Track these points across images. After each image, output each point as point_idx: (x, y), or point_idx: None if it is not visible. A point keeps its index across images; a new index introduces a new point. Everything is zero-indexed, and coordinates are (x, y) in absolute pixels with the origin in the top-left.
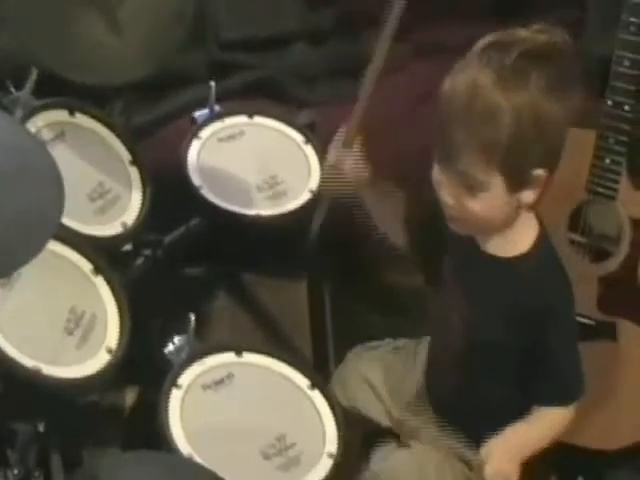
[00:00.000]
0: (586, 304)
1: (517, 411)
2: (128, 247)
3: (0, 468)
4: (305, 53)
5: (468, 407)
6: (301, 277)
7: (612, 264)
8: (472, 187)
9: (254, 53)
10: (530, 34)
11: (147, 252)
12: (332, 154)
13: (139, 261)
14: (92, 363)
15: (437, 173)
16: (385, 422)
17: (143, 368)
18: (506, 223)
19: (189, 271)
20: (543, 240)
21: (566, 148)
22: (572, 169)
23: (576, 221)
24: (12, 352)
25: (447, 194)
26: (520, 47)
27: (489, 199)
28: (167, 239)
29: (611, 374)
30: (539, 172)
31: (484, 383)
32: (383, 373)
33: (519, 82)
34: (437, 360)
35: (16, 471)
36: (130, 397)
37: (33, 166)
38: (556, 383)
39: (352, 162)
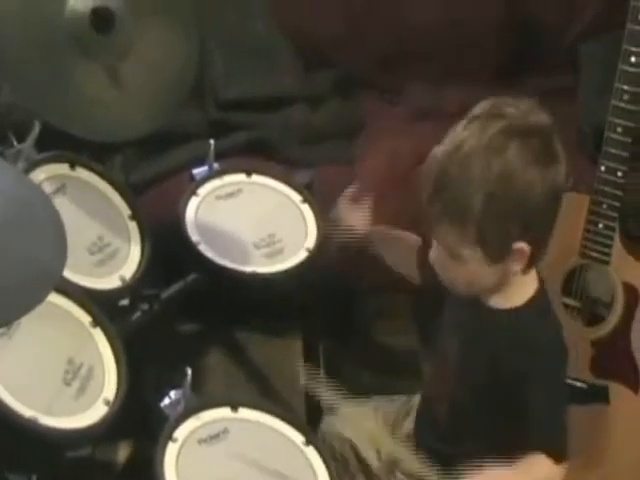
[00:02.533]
0: (579, 367)
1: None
2: (125, 301)
3: None
4: (302, 115)
5: (457, 455)
6: (296, 336)
7: (605, 328)
8: (454, 257)
9: (252, 113)
10: (517, 111)
11: (144, 306)
12: (342, 206)
13: (136, 315)
14: (89, 414)
15: (433, 246)
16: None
17: (137, 422)
18: (498, 287)
19: (184, 326)
20: (538, 299)
21: (561, 212)
22: (566, 233)
23: (570, 285)
24: (10, 401)
25: (435, 262)
26: (504, 121)
27: (472, 269)
28: (164, 294)
29: (603, 437)
30: (520, 245)
31: (472, 430)
32: (376, 418)
33: (496, 152)
34: (427, 408)
35: None
36: (123, 452)
37: (37, 217)
38: (539, 433)
39: (362, 214)
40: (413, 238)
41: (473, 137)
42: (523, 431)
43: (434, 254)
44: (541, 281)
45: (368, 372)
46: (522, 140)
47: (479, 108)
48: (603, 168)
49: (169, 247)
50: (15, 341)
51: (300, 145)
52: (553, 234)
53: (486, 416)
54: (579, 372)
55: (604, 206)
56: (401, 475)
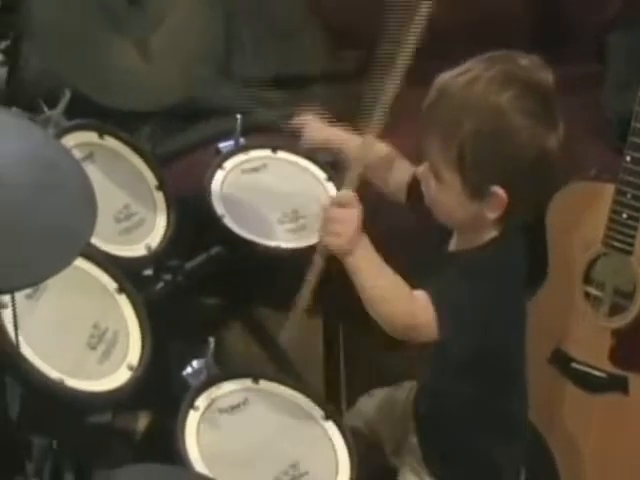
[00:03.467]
0: (599, 357)
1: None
2: (149, 271)
3: (18, 477)
4: (327, 93)
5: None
6: (316, 315)
7: (626, 318)
8: (436, 176)
9: (278, 90)
10: (526, 63)
11: (167, 277)
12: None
13: (159, 286)
14: (114, 378)
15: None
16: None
17: (158, 392)
18: (467, 224)
19: (206, 299)
20: (496, 243)
21: (584, 201)
22: (590, 222)
23: (591, 274)
24: (37, 362)
25: (422, 179)
26: (513, 66)
27: (449, 193)
28: (188, 265)
29: (622, 426)
30: (496, 189)
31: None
32: (389, 411)
33: (494, 90)
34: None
35: None
36: (143, 421)
37: (67, 180)
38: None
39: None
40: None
41: (481, 69)
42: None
43: (423, 169)
44: (504, 233)
45: (387, 356)
46: (521, 89)
47: (496, 53)
48: (628, 158)
49: (193, 219)
50: (41, 304)
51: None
52: (574, 222)
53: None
54: (598, 361)
55: (628, 196)
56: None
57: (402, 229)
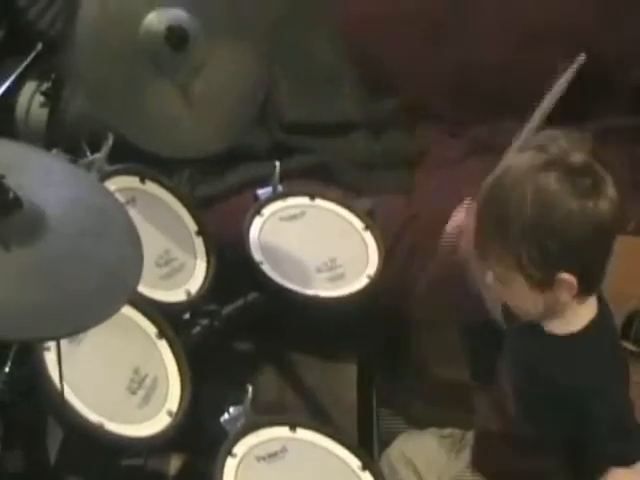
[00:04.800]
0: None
1: None
2: (186, 316)
3: None
4: (365, 141)
5: None
6: (351, 361)
7: None
8: (501, 280)
9: (315, 137)
10: (561, 144)
11: (204, 322)
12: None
13: (196, 330)
14: (153, 424)
15: None
16: None
17: (191, 436)
18: (552, 313)
19: (241, 344)
20: (596, 324)
21: (620, 255)
22: (625, 276)
23: (628, 329)
24: (77, 404)
25: (491, 286)
26: (547, 153)
27: (518, 294)
28: (225, 310)
29: None
30: (565, 276)
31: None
32: (427, 460)
33: (534, 182)
34: (486, 442)
35: None
36: (175, 463)
37: (115, 226)
38: (608, 450)
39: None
40: None
41: (516, 166)
42: (591, 452)
43: (489, 278)
44: (603, 307)
45: (420, 403)
46: (560, 173)
47: (529, 141)
48: None
49: (231, 264)
50: (83, 347)
51: (361, 172)
52: (611, 276)
53: (549, 442)
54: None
55: None
56: None
57: None
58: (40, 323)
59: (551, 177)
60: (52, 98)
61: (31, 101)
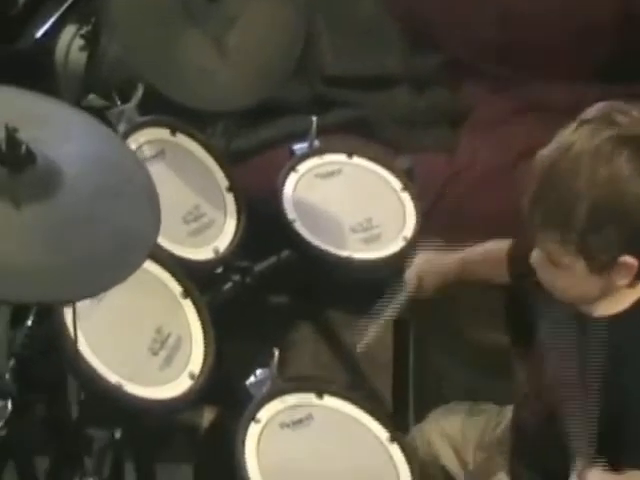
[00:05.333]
0: None
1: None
2: (218, 270)
3: (76, 475)
4: (407, 97)
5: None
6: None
7: None
8: (555, 264)
9: (356, 91)
10: (629, 120)
11: (236, 278)
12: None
13: (227, 286)
14: (174, 386)
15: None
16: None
17: (223, 391)
18: (597, 296)
19: (275, 300)
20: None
21: None
22: None
23: None
24: (97, 365)
25: (537, 266)
26: (616, 129)
27: (573, 278)
28: (257, 267)
29: None
30: (626, 259)
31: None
32: (464, 434)
33: (605, 159)
34: (524, 422)
35: (91, 479)
36: (208, 417)
37: (133, 185)
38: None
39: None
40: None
41: (582, 141)
42: (622, 447)
43: (536, 256)
44: None
45: (457, 367)
46: (633, 150)
47: (591, 112)
48: None
49: (264, 221)
50: (104, 306)
51: (401, 128)
52: None
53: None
54: None
55: None
56: None
57: None
58: (50, 286)
59: (623, 155)
60: (91, 42)
61: (70, 44)
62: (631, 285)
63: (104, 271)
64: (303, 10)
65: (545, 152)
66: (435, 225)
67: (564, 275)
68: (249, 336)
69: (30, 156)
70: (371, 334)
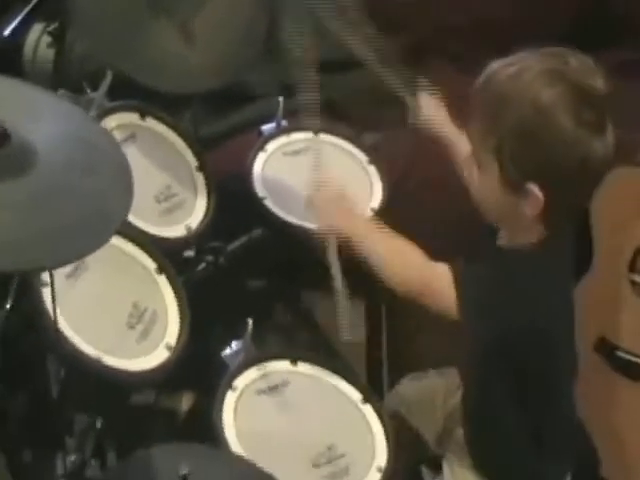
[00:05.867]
0: None
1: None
2: (191, 253)
3: (58, 454)
4: (371, 77)
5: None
6: (360, 298)
7: None
8: (477, 161)
9: (321, 74)
10: (580, 65)
11: (209, 258)
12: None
13: (201, 266)
14: (151, 358)
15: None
16: (433, 444)
17: (200, 372)
18: (503, 218)
19: (248, 281)
20: (546, 246)
21: (631, 187)
22: (635, 208)
23: (637, 262)
24: (76, 340)
25: (466, 165)
26: (565, 65)
27: (486, 180)
28: (229, 247)
29: None
30: (532, 187)
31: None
32: (423, 406)
33: (540, 86)
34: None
35: (73, 457)
36: (186, 402)
37: (104, 161)
38: None
39: None
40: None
41: (531, 62)
42: None
43: (466, 156)
44: (568, 240)
45: (427, 339)
46: (569, 90)
47: (552, 48)
48: None
49: (236, 202)
50: (81, 284)
51: (368, 107)
52: (619, 208)
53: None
54: None
55: None
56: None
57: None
58: (26, 254)
59: (562, 92)
60: (59, 39)
61: (38, 41)
62: (539, 221)
63: (77, 241)
64: None
65: (498, 61)
66: (402, 199)
67: (482, 179)
68: (223, 317)
69: (4, 135)
70: (343, 313)
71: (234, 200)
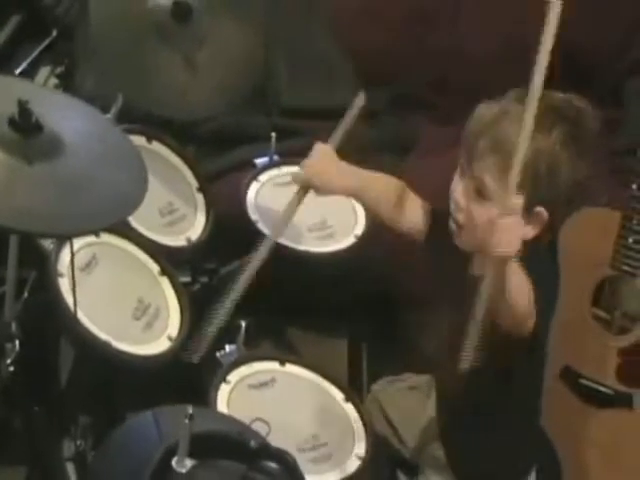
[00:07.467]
0: (606, 374)
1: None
2: (187, 278)
3: (65, 438)
4: (357, 127)
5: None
6: (342, 336)
7: (631, 338)
8: (481, 192)
9: (311, 121)
10: (564, 97)
11: (203, 279)
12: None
13: (196, 287)
14: (155, 346)
15: (455, 182)
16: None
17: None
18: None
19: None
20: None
21: (595, 225)
22: (598, 246)
23: (599, 296)
24: (89, 325)
25: (460, 195)
26: (553, 103)
27: (492, 211)
28: (223, 270)
29: (626, 440)
30: (541, 210)
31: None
32: (400, 411)
33: (544, 129)
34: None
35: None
36: None
37: (124, 156)
38: None
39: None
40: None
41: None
42: None
43: (461, 188)
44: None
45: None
46: (567, 123)
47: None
48: (635, 187)
49: (232, 232)
50: (93, 277)
51: (353, 155)
52: (584, 245)
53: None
54: (605, 378)
55: (635, 222)
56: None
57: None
58: (56, 222)
59: (557, 128)
60: (65, 80)
61: (46, 83)
62: (535, 239)
63: (99, 215)
64: (261, 32)
65: (493, 106)
66: (383, 242)
67: (482, 207)
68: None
69: (38, 125)
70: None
71: (231, 231)
